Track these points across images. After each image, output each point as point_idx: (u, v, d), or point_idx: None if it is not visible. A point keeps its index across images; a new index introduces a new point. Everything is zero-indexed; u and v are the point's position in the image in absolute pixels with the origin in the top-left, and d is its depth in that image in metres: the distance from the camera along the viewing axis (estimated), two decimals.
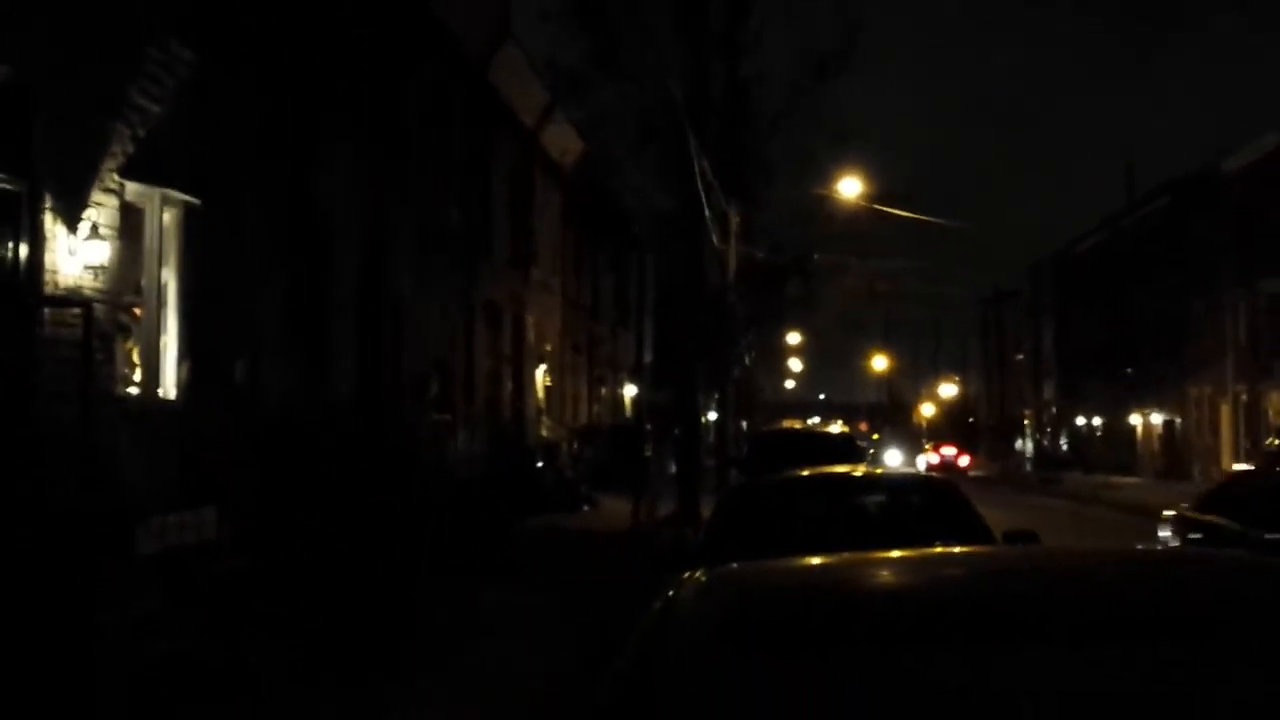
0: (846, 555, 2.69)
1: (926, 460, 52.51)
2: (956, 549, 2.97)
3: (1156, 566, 2.42)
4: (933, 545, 5.65)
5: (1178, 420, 44.05)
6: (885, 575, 2.41)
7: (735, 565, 2.65)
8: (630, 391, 43.21)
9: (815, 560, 2.52)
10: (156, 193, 11.46)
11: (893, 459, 51.53)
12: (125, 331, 11.25)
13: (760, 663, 1.76)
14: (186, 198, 11.76)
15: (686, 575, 2.35)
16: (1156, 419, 46.35)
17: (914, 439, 64.71)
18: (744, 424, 44.46)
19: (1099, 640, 1.77)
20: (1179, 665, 1.67)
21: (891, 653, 1.76)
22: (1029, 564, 2.50)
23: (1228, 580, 2.16)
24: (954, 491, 7.99)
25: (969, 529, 6.79)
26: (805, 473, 8.96)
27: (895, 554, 2.74)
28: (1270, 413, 35.11)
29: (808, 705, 1.62)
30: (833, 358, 75.64)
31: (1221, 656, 1.70)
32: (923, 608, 2.05)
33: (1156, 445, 46.33)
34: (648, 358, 44.06)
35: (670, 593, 2.20)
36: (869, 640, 1.82)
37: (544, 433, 28.49)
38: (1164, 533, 11.65)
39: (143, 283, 11.46)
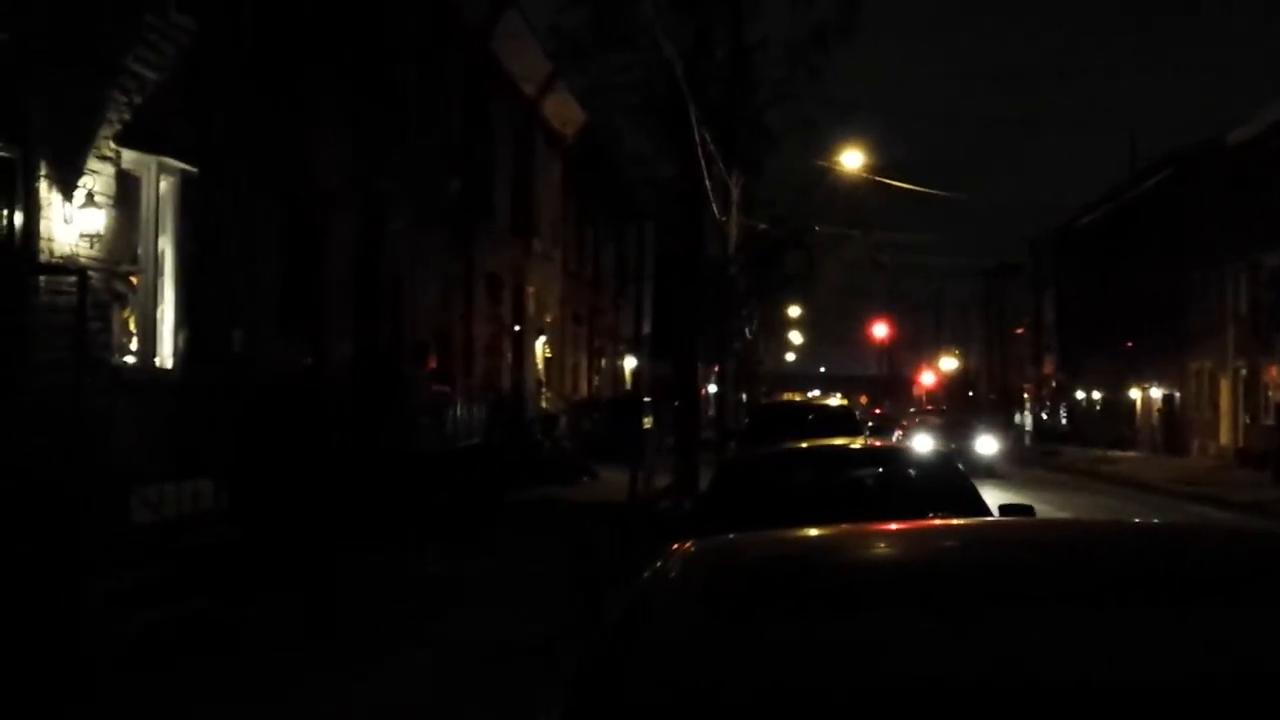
0: (834, 527, 2.72)
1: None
2: (939, 521, 2.99)
3: (1148, 537, 2.44)
4: (926, 518, 5.66)
5: (1177, 394, 44.03)
6: (868, 546, 2.45)
7: (723, 537, 2.68)
8: (630, 363, 43.22)
9: (802, 531, 2.56)
10: (153, 160, 11.41)
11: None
12: (122, 300, 11.21)
13: (737, 627, 1.81)
14: (183, 166, 11.71)
15: (675, 546, 2.38)
16: (1156, 393, 46.34)
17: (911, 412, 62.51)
18: (744, 396, 44.49)
19: (1087, 606, 1.79)
20: (1172, 631, 1.69)
21: (867, 616, 1.80)
22: (1017, 534, 2.52)
23: (1218, 548, 2.19)
24: (950, 464, 7.99)
25: (964, 502, 6.78)
26: (802, 445, 8.95)
27: (881, 526, 2.77)
28: (1269, 387, 35.08)
29: (783, 668, 1.64)
30: (833, 331, 75.68)
31: (1212, 620, 1.72)
32: (901, 575, 2.08)
33: (1155, 419, 46.33)
34: (647, 329, 44.04)
35: (658, 564, 2.24)
36: (848, 605, 1.86)
37: (544, 404, 28.50)
38: None
39: (139, 251, 11.42)
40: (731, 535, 2.68)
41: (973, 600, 1.83)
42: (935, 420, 40.33)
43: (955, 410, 50.41)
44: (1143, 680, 1.54)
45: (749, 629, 1.80)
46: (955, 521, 3.72)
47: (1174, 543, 2.27)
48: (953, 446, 28.66)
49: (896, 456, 9.28)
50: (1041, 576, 1.95)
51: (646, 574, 2.19)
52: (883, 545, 2.45)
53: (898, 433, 38.80)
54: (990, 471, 30.04)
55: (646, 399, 29.92)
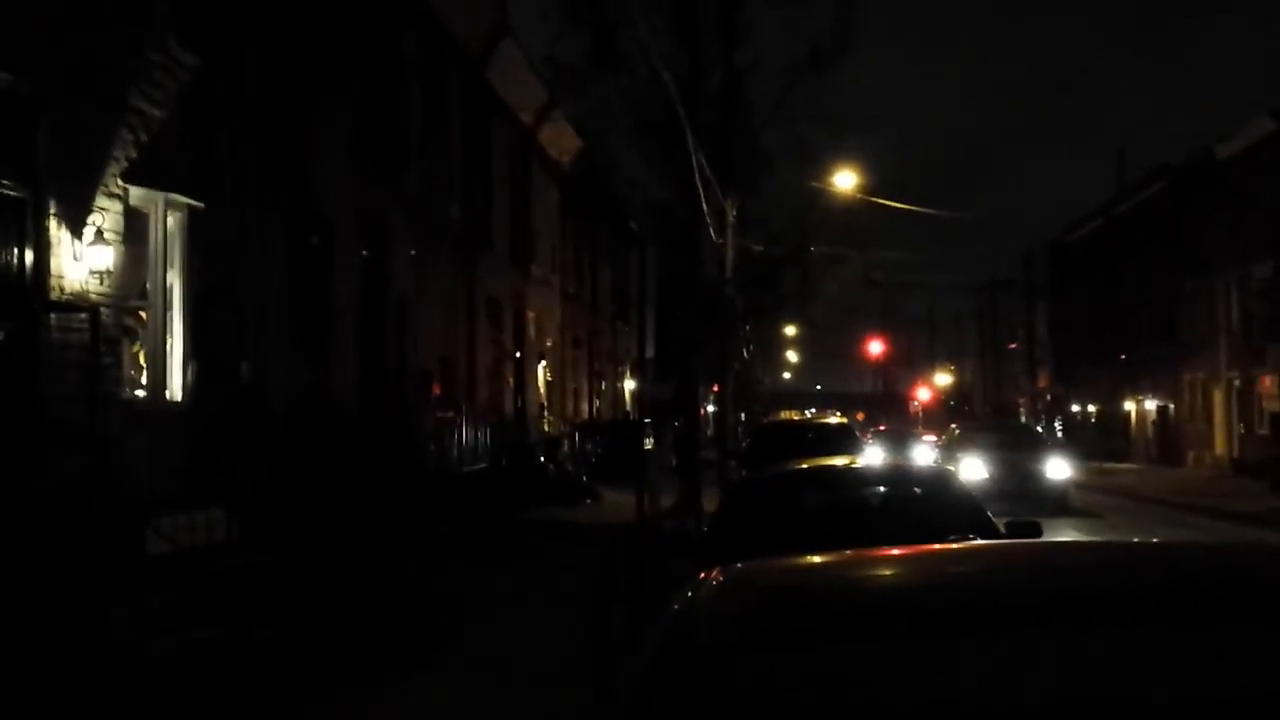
0: (859, 552, 2.77)
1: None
2: (960, 545, 3.05)
3: (1159, 556, 2.49)
4: (935, 536, 5.76)
5: (1171, 406, 44.19)
6: (895, 571, 2.51)
7: (751, 563, 2.75)
8: (630, 385, 43.34)
9: (827, 557, 2.61)
10: (160, 196, 11.54)
11: None
12: (131, 335, 11.33)
13: (779, 657, 1.83)
14: (190, 201, 11.84)
15: (703, 575, 2.41)
16: (1150, 405, 46.49)
17: (910, 428, 61.00)
18: (742, 415, 44.55)
19: (1106, 628, 1.82)
20: (1188, 652, 1.73)
21: (901, 644, 1.84)
22: (1036, 558, 2.60)
23: (1226, 566, 2.24)
24: (955, 481, 8.10)
25: (970, 519, 6.87)
26: (806, 465, 9.05)
27: (905, 550, 2.80)
28: (1263, 397, 35.23)
29: (817, 693, 1.69)
30: (829, 349, 75.85)
31: (1225, 639, 1.76)
32: (933, 600, 2.12)
33: (1150, 431, 46.47)
34: (649, 351, 44.13)
35: (689, 593, 2.28)
36: (884, 634, 1.90)
37: (545, 428, 28.60)
38: None
39: (148, 286, 11.54)
40: (758, 561, 2.71)
41: (1001, 624, 1.87)
42: (987, 436, 27.30)
43: (1015, 425, 37.82)
44: (1160, 702, 1.58)
45: (784, 656, 1.83)
46: (975, 544, 3.76)
47: (1187, 562, 2.30)
48: (1019, 472, 23.27)
49: (900, 475, 9.39)
50: (1062, 599, 1.98)
51: (677, 603, 2.22)
52: (909, 570, 2.49)
53: (925, 449, 33.95)
54: (1062, 505, 22.90)
55: (646, 420, 30.01)
